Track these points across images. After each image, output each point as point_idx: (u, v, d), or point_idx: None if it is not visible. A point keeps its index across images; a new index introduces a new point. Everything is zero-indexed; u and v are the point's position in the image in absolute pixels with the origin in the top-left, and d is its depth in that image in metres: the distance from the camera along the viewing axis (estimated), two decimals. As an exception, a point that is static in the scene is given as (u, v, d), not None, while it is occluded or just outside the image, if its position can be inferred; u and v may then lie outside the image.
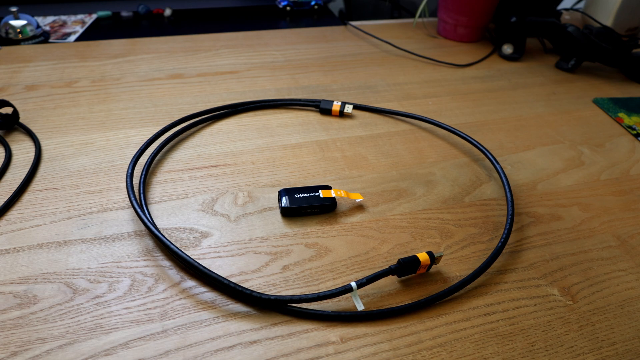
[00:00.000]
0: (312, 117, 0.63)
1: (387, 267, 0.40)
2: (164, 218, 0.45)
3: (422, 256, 0.40)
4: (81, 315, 0.36)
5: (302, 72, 0.73)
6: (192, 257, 0.41)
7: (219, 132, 0.58)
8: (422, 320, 0.38)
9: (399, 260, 0.40)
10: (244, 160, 0.54)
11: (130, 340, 0.35)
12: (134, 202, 0.43)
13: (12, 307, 0.36)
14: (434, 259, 0.40)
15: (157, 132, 0.54)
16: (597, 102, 0.71)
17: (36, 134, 0.55)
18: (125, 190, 0.48)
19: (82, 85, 0.66)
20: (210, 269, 0.40)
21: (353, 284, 0.37)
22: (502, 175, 0.51)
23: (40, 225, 0.44)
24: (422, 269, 0.40)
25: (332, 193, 0.47)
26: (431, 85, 0.73)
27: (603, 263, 0.44)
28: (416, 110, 0.65)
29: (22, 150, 0.53)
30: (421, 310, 0.38)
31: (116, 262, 0.40)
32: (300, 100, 0.64)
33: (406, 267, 0.40)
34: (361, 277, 0.40)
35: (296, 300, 0.37)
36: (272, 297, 0.37)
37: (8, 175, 0.49)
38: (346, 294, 0.38)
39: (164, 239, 0.41)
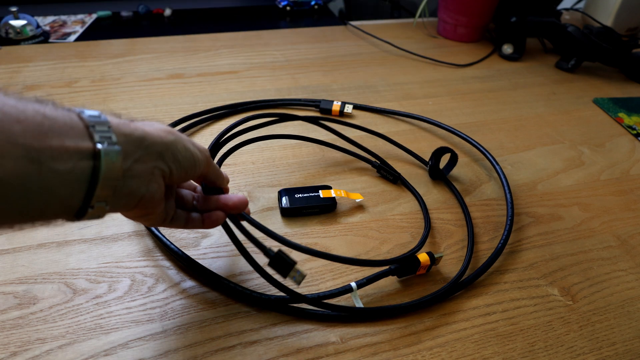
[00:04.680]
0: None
1: (387, 267, 0.40)
2: (164, 218, 0.45)
3: (422, 257, 0.40)
4: (81, 315, 0.36)
5: (302, 72, 0.73)
6: (192, 257, 0.41)
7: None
8: (422, 320, 0.38)
9: (399, 259, 0.40)
10: (244, 160, 0.54)
11: (130, 340, 0.35)
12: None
13: (12, 307, 0.36)
14: (434, 259, 0.40)
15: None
16: (597, 102, 0.71)
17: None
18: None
19: (82, 85, 0.66)
20: (211, 269, 0.40)
21: (353, 284, 0.37)
22: (502, 176, 0.51)
23: (40, 225, 0.44)
24: (422, 269, 0.40)
25: (332, 193, 0.47)
26: (431, 85, 0.73)
27: (603, 263, 0.44)
28: (416, 110, 0.65)
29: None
30: (421, 310, 0.38)
31: (116, 262, 0.40)
32: (300, 100, 0.64)
33: (406, 268, 0.40)
34: (361, 278, 0.40)
35: (296, 301, 0.37)
36: (272, 297, 0.37)
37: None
38: (346, 294, 0.38)
39: (164, 239, 0.41)
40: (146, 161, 0.27)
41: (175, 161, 0.29)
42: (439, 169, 0.52)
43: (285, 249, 0.34)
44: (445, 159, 0.52)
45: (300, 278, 0.34)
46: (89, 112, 0.25)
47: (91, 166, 0.23)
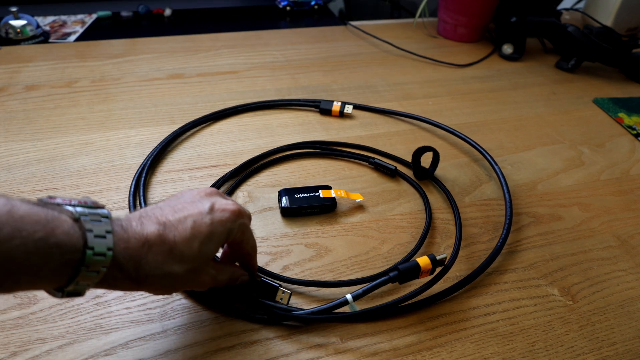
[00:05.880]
0: (312, 117, 0.63)
1: (385, 273, 0.39)
2: (164, 218, 0.45)
3: (423, 261, 0.37)
4: (81, 315, 0.36)
5: (302, 72, 0.73)
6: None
7: (219, 132, 0.58)
8: (422, 320, 0.38)
9: (397, 267, 0.37)
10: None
11: (130, 340, 0.35)
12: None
13: (12, 307, 0.36)
14: (436, 262, 0.38)
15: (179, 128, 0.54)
16: (597, 102, 0.71)
17: (36, 133, 0.55)
18: (126, 190, 0.48)
19: (82, 85, 0.66)
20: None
21: (349, 296, 0.36)
22: (501, 177, 0.51)
23: (40, 225, 0.44)
24: (426, 273, 0.38)
25: (332, 193, 0.47)
26: (431, 85, 0.73)
27: (603, 263, 0.44)
28: (416, 110, 0.65)
29: (22, 150, 0.53)
30: (421, 310, 0.38)
31: (116, 262, 0.40)
32: (300, 100, 0.64)
33: (406, 274, 0.37)
34: (361, 277, 0.40)
35: (291, 317, 0.36)
36: (269, 304, 0.37)
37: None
38: (342, 307, 0.36)
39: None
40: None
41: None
42: (423, 168, 0.51)
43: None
44: (429, 158, 0.52)
45: (287, 297, 0.37)
46: (95, 246, 0.25)
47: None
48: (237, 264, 0.37)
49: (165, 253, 0.28)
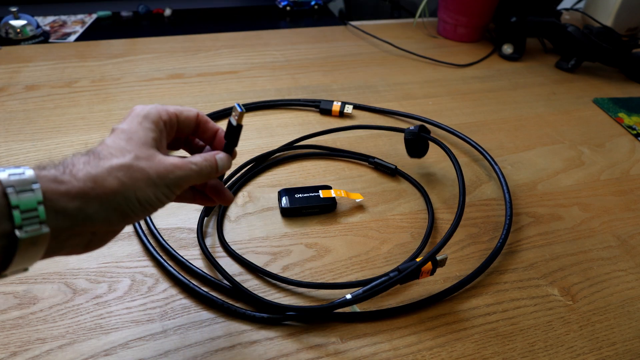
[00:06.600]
0: (312, 117, 0.63)
1: (385, 274, 0.39)
2: (164, 218, 0.45)
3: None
4: (81, 315, 0.36)
5: (302, 72, 0.73)
6: (193, 257, 0.41)
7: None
8: (422, 320, 0.38)
9: (398, 268, 0.37)
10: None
11: (130, 340, 0.35)
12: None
13: (12, 307, 0.36)
14: (436, 263, 0.38)
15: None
16: (597, 102, 0.71)
17: (36, 133, 0.55)
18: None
19: (82, 85, 0.66)
20: (209, 271, 0.40)
21: (349, 296, 0.36)
22: (501, 177, 0.51)
23: (40, 225, 0.44)
24: (426, 274, 0.38)
25: (332, 193, 0.47)
26: (431, 85, 0.73)
27: (603, 263, 0.44)
28: (416, 110, 0.65)
29: (22, 150, 0.53)
30: (421, 310, 0.38)
31: (116, 262, 0.40)
32: (300, 100, 0.64)
33: (407, 275, 0.37)
34: (361, 278, 0.40)
35: (292, 316, 0.36)
36: (272, 303, 0.37)
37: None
38: (343, 307, 0.36)
39: (163, 242, 0.41)
40: (87, 226, 0.24)
41: (132, 206, 0.26)
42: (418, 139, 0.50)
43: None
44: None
45: (240, 116, 0.32)
46: (19, 189, 0.22)
47: (5, 245, 0.22)
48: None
49: (94, 158, 0.25)
